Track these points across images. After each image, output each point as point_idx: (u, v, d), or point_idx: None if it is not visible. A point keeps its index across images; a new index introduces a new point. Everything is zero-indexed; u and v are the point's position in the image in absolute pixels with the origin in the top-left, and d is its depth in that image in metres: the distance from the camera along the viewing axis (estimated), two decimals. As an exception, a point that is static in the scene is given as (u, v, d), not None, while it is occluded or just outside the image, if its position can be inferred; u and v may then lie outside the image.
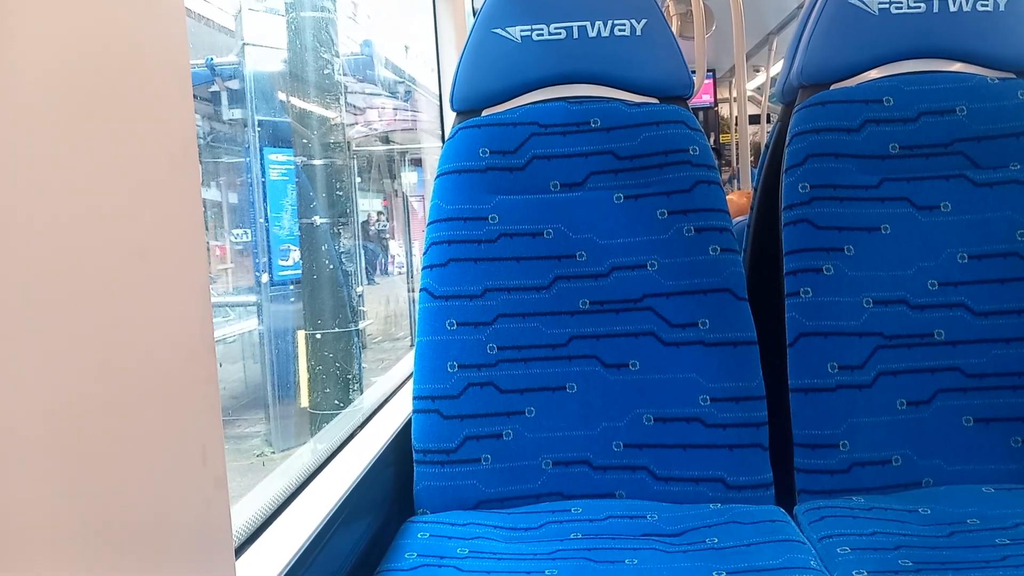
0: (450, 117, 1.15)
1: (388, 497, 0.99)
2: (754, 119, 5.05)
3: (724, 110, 6.22)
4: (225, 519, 0.49)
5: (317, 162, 4.20)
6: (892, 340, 0.98)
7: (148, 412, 0.41)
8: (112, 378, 0.39)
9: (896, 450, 0.96)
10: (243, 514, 0.75)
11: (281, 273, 4.95)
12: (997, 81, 1.03)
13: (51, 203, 0.36)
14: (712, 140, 5.63)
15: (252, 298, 5.38)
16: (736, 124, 4.24)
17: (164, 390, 0.43)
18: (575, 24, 1.07)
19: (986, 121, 1.02)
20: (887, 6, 1.04)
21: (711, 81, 5.18)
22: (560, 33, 1.07)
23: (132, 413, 0.40)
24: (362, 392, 4.21)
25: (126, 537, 0.40)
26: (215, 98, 5.31)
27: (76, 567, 0.36)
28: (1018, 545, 0.80)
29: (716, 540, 0.86)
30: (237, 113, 5.29)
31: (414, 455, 0.99)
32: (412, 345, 1.04)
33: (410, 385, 1.03)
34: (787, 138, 1.04)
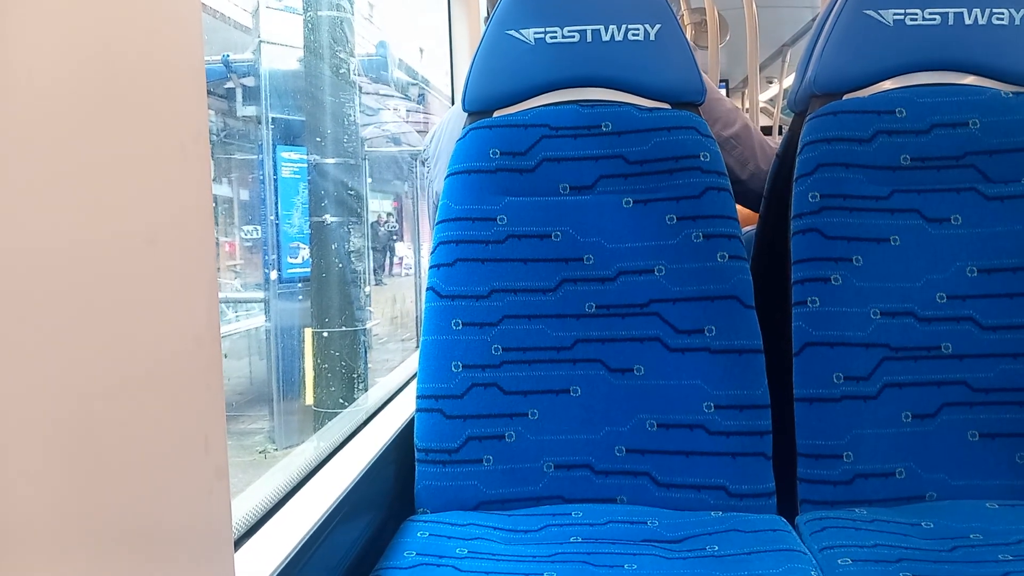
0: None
1: (389, 495, 0.99)
2: (766, 130, 5.05)
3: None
4: (225, 509, 0.49)
5: (330, 161, 4.22)
6: (899, 352, 0.97)
7: (151, 399, 0.42)
8: (116, 365, 0.39)
9: (900, 463, 0.95)
10: (243, 507, 0.75)
11: (290, 271, 4.97)
12: (1011, 95, 1.03)
13: (60, 192, 0.36)
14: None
15: (260, 295, 5.41)
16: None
17: (168, 378, 0.43)
18: (589, 27, 1.07)
19: (999, 135, 1.01)
20: (902, 17, 1.04)
21: (724, 91, 5.19)
22: (573, 36, 1.07)
23: (135, 400, 0.40)
24: (367, 391, 4.21)
25: (125, 523, 0.40)
26: (230, 94, 5.35)
27: (76, 552, 0.36)
28: (1020, 561, 0.79)
29: (716, 548, 0.86)
30: (251, 110, 5.32)
31: (416, 454, 0.99)
32: (418, 347, 1.04)
33: (414, 385, 1.03)
34: (798, 147, 1.04)
